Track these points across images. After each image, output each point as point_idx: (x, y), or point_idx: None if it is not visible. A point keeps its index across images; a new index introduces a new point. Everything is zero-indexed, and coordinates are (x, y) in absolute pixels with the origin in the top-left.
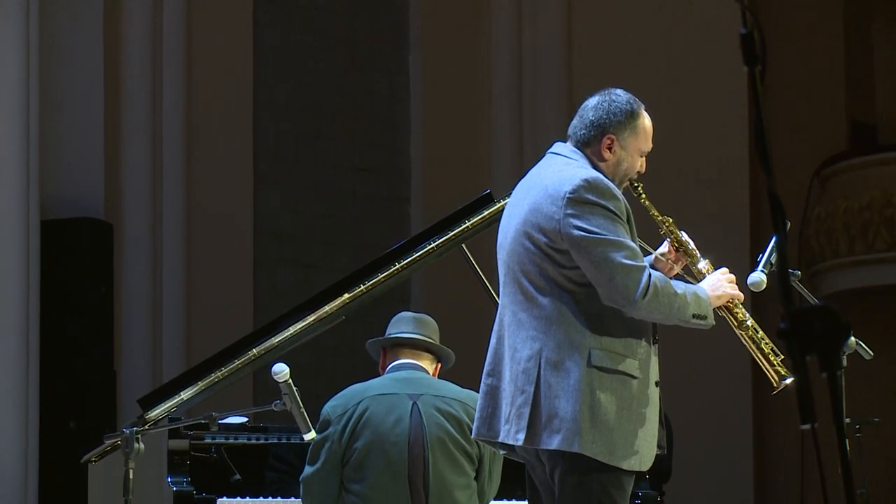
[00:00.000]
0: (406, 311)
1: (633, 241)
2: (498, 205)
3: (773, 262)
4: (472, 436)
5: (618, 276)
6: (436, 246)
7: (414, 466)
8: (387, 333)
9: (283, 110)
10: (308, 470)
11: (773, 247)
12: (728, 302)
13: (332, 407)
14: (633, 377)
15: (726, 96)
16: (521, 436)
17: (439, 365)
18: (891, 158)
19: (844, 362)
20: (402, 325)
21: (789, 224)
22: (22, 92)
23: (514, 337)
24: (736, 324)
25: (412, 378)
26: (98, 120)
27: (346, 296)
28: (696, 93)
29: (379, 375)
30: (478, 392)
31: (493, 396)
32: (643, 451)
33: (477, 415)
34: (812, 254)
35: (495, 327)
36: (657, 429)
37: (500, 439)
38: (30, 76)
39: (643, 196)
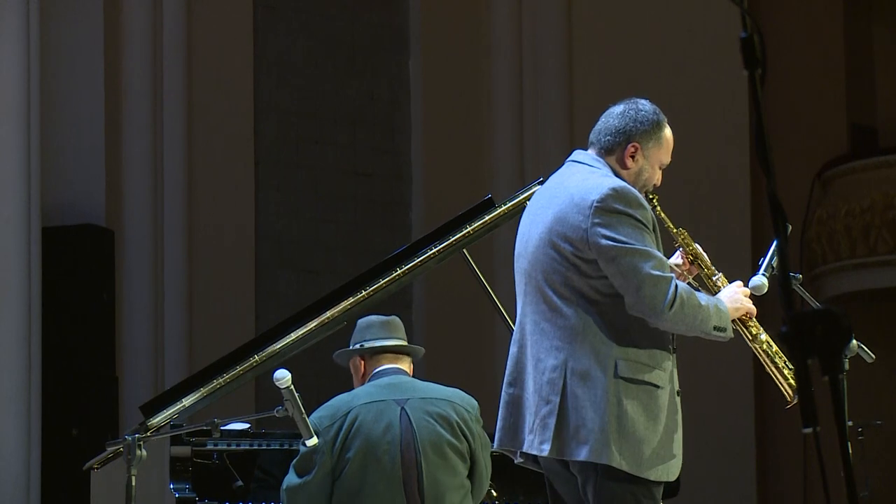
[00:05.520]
0: (372, 314)
1: (659, 250)
2: (499, 210)
3: (774, 265)
4: (495, 446)
5: (645, 286)
6: (437, 251)
7: (407, 472)
8: (357, 341)
9: (284, 116)
10: (295, 480)
11: (774, 250)
12: (742, 315)
13: (318, 418)
14: (659, 387)
15: (727, 100)
16: (547, 447)
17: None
18: (892, 161)
19: (846, 365)
20: (376, 331)
21: (790, 227)
22: (23, 98)
23: (538, 346)
24: (750, 337)
25: (397, 383)
26: (99, 127)
27: (348, 301)
28: (696, 97)
29: (353, 386)
30: (463, 391)
31: (515, 406)
32: (671, 461)
33: (499, 425)
34: (813, 257)
35: (515, 336)
36: (681, 438)
37: (524, 449)
38: (30, 83)
39: (658, 208)
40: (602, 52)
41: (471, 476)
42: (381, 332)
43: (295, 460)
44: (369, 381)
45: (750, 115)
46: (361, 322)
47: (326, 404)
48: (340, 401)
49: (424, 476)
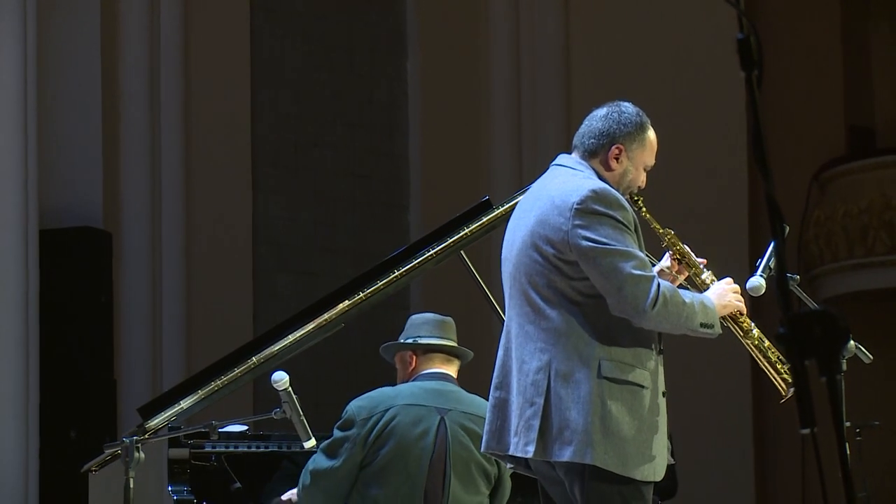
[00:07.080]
0: (427, 312)
1: (641, 250)
2: (496, 211)
3: (771, 266)
4: (482, 449)
5: (627, 286)
6: (435, 253)
7: (433, 481)
8: (411, 336)
9: (282, 118)
10: (323, 464)
11: (771, 251)
12: (733, 311)
13: (358, 408)
14: (644, 387)
15: (724, 102)
16: (531, 448)
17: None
18: (889, 162)
19: (844, 366)
20: (431, 328)
21: (788, 228)
22: (20, 101)
23: (522, 349)
24: (742, 333)
25: (443, 390)
26: (96, 129)
27: (346, 303)
28: (694, 98)
29: (393, 380)
30: None
31: (501, 409)
32: (657, 461)
33: (486, 428)
34: (811, 258)
35: (502, 340)
36: (666, 438)
37: (510, 452)
38: (27, 85)
39: (644, 209)
40: (600, 55)
41: (493, 496)
42: (437, 330)
43: (324, 444)
44: (415, 379)
45: (747, 116)
46: (416, 318)
47: (368, 395)
48: (383, 394)
49: (450, 490)
